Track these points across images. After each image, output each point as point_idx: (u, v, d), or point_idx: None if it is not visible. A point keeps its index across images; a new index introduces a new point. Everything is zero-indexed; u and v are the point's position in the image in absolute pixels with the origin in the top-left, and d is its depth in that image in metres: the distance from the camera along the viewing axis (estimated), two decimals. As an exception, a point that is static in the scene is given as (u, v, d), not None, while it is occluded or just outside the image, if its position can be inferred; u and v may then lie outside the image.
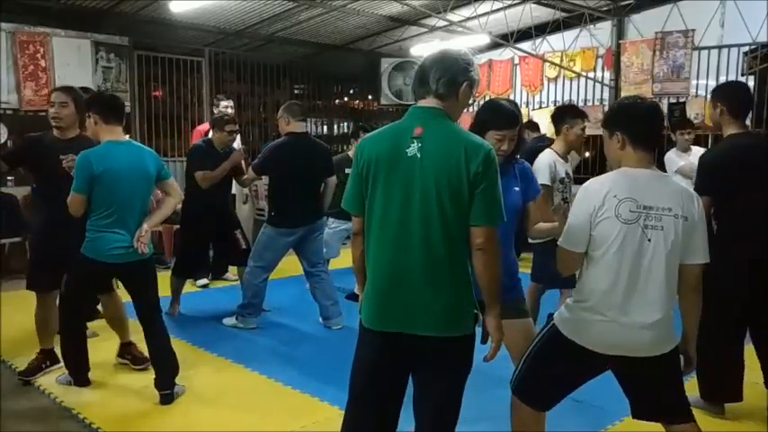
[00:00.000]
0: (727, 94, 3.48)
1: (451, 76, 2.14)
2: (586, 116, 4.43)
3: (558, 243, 2.38)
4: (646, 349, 2.29)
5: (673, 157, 6.05)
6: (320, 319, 5.06)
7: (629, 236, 2.23)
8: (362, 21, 9.06)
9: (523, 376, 2.51)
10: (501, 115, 2.67)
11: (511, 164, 2.73)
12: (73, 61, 7.29)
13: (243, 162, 5.39)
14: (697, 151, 6.07)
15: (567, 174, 4.18)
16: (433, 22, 9.05)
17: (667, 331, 2.31)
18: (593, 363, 2.37)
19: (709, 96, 8.16)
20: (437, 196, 2.05)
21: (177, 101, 8.68)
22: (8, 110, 6.96)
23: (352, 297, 5.43)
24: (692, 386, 3.37)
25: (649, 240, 2.22)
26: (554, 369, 2.44)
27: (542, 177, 3.90)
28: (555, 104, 9.33)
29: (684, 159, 5.81)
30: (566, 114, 4.23)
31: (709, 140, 7.78)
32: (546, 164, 4.02)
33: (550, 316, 2.53)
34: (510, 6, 8.26)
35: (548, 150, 4.14)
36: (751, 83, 7.52)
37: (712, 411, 3.42)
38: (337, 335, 4.77)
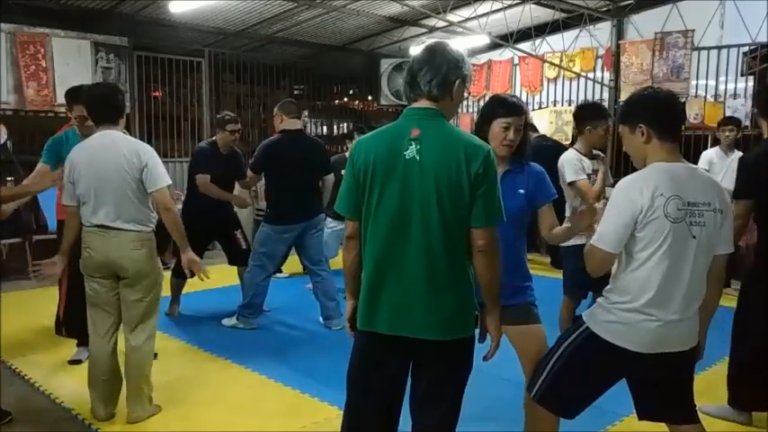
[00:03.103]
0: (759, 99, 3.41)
1: (443, 76, 2.10)
2: (610, 115, 4.35)
3: (592, 242, 2.29)
4: (685, 342, 2.27)
5: (712, 158, 5.84)
6: (321, 319, 5.06)
7: (677, 234, 2.18)
8: (362, 21, 9.07)
9: (551, 384, 2.39)
10: (506, 104, 2.65)
11: (521, 165, 2.69)
12: (73, 62, 7.30)
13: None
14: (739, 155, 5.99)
15: (593, 170, 4.14)
16: (432, 22, 9.06)
17: (697, 322, 2.31)
18: (628, 364, 2.31)
19: (708, 97, 8.17)
20: (437, 198, 2.03)
21: (177, 101, 8.69)
22: (8, 110, 6.96)
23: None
24: (710, 394, 3.37)
25: (694, 237, 2.19)
26: (589, 374, 2.36)
27: (569, 175, 3.91)
28: (554, 105, 9.37)
29: (725, 162, 5.60)
30: (589, 115, 4.14)
31: (709, 141, 7.79)
32: (569, 160, 3.98)
33: (578, 318, 2.44)
34: (509, 7, 8.26)
35: (570, 150, 4.12)
36: (750, 83, 7.54)
37: (738, 420, 3.35)
38: (338, 335, 4.76)
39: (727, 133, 5.79)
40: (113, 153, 3.15)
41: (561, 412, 2.44)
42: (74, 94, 3.90)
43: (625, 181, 2.30)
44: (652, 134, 2.26)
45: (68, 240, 3.28)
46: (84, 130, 3.72)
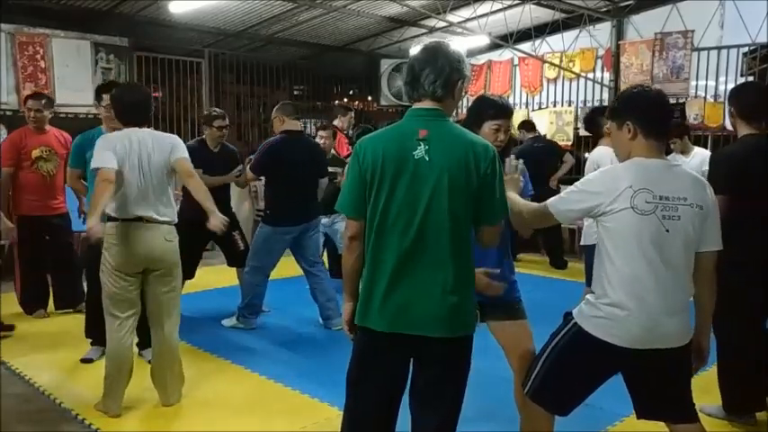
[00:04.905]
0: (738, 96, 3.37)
1: (447, 76, 2.12)
2: None
3: (548, 202, 2.36)
4: (673, 339, 2.26)
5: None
6: (320, 320, 5.06)
7: (647, 227, 2.19)
8: (362, 22, 9.07)
9: (543, 380, 2.39)
10: (497, 106, 2.73)
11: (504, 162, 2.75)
12: (72, 62, 7.30)
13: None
14: (700, 152, 6.02)
15: None
16: (432, 22, 9.06)
17: (688, 320, 2.30)
18: (617, 360, 2.30)
19: (708, 97, 8.18)
20: (448, 197, 2.05)
21: (177, 102, 8.67)
22: (8, 111, 6.95)
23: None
24: (711, 395, 3.36)
25: (667, 231, 2.19)
26: (578, 370, 2.36)
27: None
28: (554, 105, 9.37)
29: (685, 162, 5.72)
30: (603, 115, 4.28)
31: (709, 142, 7.79)
32: (608, 156, 4.03)
33: (568, 314, 2.44)
34: (509, 7, 8.27)
35: (602, 146, 4.19)
36: (750, 83, 7.54)
37: (740, 421, 3.33)
38: (337, 335, 4.76)
39: (672, 145, 5.89)
40: (157, 146, 3.29)
41: (553, 409, 2.44)
42: (104, 87, 4.16)
43: (599, 171, 2.38)
44: (638, 131, 2.29)
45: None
46: (111, 122, 3.82)
